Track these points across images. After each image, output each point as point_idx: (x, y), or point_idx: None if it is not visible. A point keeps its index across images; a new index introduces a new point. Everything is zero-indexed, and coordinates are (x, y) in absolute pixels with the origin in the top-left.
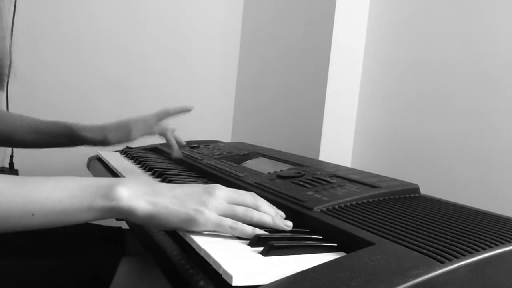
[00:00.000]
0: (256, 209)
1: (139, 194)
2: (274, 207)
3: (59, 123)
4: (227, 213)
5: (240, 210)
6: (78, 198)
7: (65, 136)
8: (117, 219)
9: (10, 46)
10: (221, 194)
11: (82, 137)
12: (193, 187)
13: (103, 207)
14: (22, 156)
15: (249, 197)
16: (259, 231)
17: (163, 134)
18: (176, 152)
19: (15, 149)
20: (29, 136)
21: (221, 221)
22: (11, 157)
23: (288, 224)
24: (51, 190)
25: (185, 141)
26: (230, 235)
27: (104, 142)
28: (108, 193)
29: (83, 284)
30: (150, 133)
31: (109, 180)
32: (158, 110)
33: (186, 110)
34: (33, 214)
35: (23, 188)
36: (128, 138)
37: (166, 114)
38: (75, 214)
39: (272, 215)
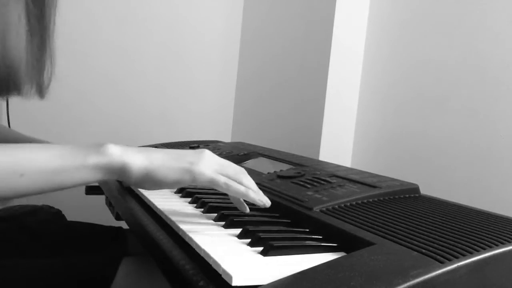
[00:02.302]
0: (240, 182)
1: (133, 151)
2: (254, 183)
3: (39, 142)
4: (221, 171)
5: (231, 171)
6: (70, 156)
7: None
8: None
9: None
10: (211, 155)
11: None
12: (183, 150)
13: (97, 163)
14: None
15: (236, 165)
16: (252, 193)
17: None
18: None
19: None
20: None
21: (216, 176)
22: None
23: (268, 202)
24: (40, 150)
25: (185, 141)
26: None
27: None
28: (101, 150)
29: (84, 284)
30: None
31: (98, 142)
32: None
33: None
34: (22, 175)
35: (8, 149)
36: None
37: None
38: (67, 174)
39: (254, 190)
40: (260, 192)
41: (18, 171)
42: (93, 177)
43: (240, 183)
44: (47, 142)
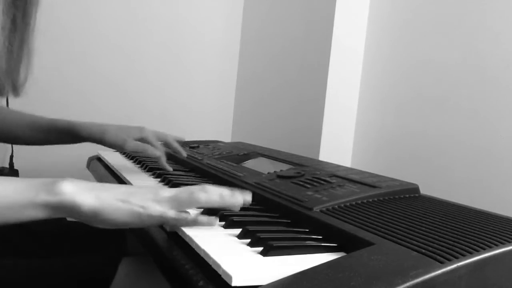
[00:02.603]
0: (197, 205)
1: (83, 189)
2: (224, 189)
3: (58, 121)
4: (172, 204)
5: (183, 196)
6: (21, 193)
7: (64, 134)
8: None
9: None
10: (165, 191)
11: (82, 136)
12: (139, 187)
13: (47, 202)
14: (22, 156)
15: (195, 186)
16: (202, 217)
17: (165, 141)
18: (183, 155)
19: (15, 149)
20: (28, 132)
21: (163, 214)
22: (11, 157)
23: (247, 199)
24: None
25: (185, 141)
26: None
27: (101, 141)
28: (51, 188)
29: (84, 284)
30: (143, 140)
31: (54, 178)
32: (160, 133)
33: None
34: None
35: None
36: (122, 147)
37: (165, 140)
38: (18, 210)
39: (220, 194)
40: (225, 201)
41: None
42: (42, 215)
43: (199, 205)
44: (58, 120)
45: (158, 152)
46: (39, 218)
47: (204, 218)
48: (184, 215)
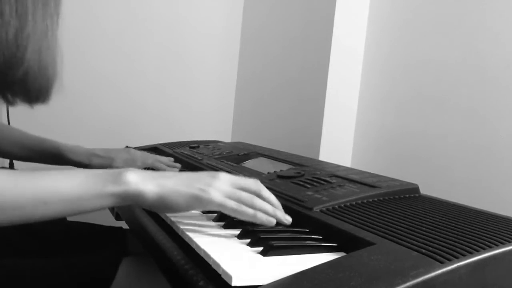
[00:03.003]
0: (259, 197)
1: (147, 178)
2: (276, 199)
3: (46, 141)
4: (231, 196)
5: (244, 195)
6: (89, 185)
7: (51, 155)
8: (117, 219)
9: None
10: (226, 178)
11: (67, 159)
12: (198, 173)
13: (114, 192)
14: None
15: (253, 184)
16: (260, 215)
17: (152, 167)
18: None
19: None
20: (15, 149)
21: (225, 202)
22: None
23: (288, 219)
24: (61, 178)
25: (185, 141)
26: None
27: (87, 167)
28: (117, 179)
29: (85, 284)
30: (134, 167)
31: (119, 169)
32: (148, 156)
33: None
34: (45, 203)
35: (33, 177)
36: (110, 167)
37: (154, 163)
38: (87, 201)
39: (274, 204)
40: (276, 213)
41: (42, 200)
42: (110, 203)
43: (252, 205)
44: (46, 140)
45: (150, 161)
46: (108, 206)
47: (264, 216)
48: (244, 209)
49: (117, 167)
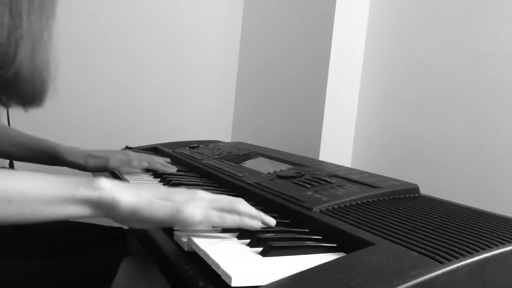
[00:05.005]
0: (236, 210)
1: (122, 186)
2: (252, 208)
3: (42, 142)
4: (212, 205)
5: (224, 200)
6: (60, 187)
7: (47, 156)
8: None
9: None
10: (203, 194)
11: (64, 160)
12: (176, 188)
13: (86, 197)
14: None
15: (232, 198)
16: (247, 220)
17: (150, 168)
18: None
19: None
20: (11, 148)
21: (208, 212)
22: None
23: (273, 221)
24: (31, 179)
25: (185, 141)
26: (218, 228)
27: (83, 168)
28: (91, 183)
29: (85, 284)
30: (129, 166)
31: (91, 176)
32: (143, 156)
33: (168, 168)
34: (10, 201)
35: (1, 175)
36: (106, 169)
37: (150, 163)
38: (55, 205)
39: (256, 211)
40: (261, 214)
41: (7, 197)
42: (80, 212)
43: (237, 211)
44: (43, 140)
45: (145, 163)
46: (76, 217)
47: (249, 221)
48: (230, 216)
49: (112, 167)
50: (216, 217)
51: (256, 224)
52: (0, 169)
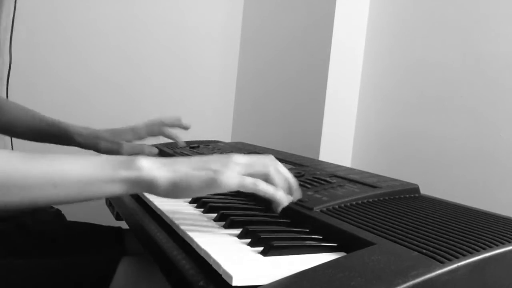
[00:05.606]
0: (276, 172)
1: (159, 164)
2: (290, 175)
3: (55, 122)
4: (246, 172)
5: (258, 165)
6: (101, 169)
7: (58, 136)
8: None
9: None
10: (238, 159)
11: (75, 141)
12: (209, 155)
13: (126, 177)
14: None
15: (268, 160)
16: (279, 195)
17: (160, 134)
18: (181, 143)
19: (14, 147)
20: (27, 128)
21: (243, 179)
22: None
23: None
24: (72, 161)
25: (185, 141)
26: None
27: (95, 149)
28: (130, 164)
29: (84, 284)
30: (141, 139)
31: (130, 156)
32: (150, 120)
33: (182, 126)
34: (55, 186)
35: (44, 159)
36: (118, 152)
37: (159, 124)
38: (98, 185)
39: (291, 181)
40: (294, 187)
41: (52, 182)
42: (122, 190)
43: (272, 180)
44: (58, 121)
45: (155, 150)
46: (117, 194)
47: (283, 195)
48: (264, 185)
49: (126, 153)
50: (251, 184)
51: (285, 202)
52: (42, 154)
